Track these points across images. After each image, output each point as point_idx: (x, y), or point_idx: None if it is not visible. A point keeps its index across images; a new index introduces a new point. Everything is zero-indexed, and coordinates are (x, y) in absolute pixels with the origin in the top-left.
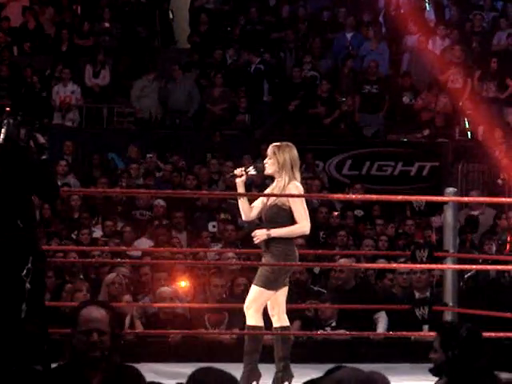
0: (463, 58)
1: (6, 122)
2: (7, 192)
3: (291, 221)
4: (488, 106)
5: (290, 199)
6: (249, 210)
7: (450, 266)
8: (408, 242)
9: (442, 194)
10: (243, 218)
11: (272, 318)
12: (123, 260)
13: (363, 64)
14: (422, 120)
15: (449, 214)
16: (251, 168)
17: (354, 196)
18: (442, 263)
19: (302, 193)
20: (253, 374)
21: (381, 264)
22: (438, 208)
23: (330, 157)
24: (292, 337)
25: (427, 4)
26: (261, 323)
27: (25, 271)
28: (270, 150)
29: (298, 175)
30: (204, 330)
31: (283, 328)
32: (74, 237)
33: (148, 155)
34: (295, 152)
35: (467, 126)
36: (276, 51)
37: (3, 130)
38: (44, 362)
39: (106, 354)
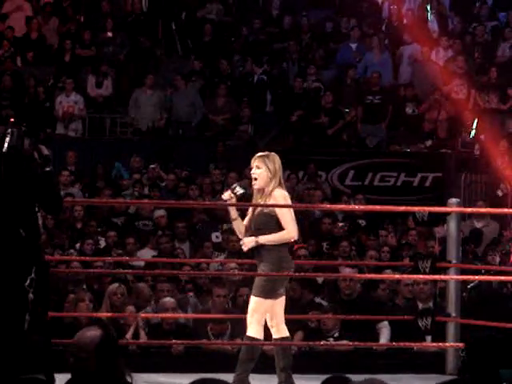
0: (466, 69)
1: (10, 131)
2: (10, 201)
3: (280, 228)
4: (490, 117)
5: (277, 208)
6: (244, 229)
7: (452, 276)
8: (411, 252)
9: (444, 204)
10: (240, 236)
11: (271, 330)
12: (126, 270)
13: (366, 74)
14: (424, 131)
15: (452, 225)
16: (238, 188)
17: (356, 206)
18: (444, 274)
19: (288, 199)
20: (243, 383)
21: (384, 275)
22: (441, 219)
23: (333, 167)
24: (293, 347)
25: (429, 14)
26: (260, 336)
27: (28, 281)
28: (259, 160)
29: (282, 182)
30: (206, 341)
31: (283, 339)
32: (77, 247)
33: (151, 166)
34: (279, 161)
35: (472, 134)
36: (279, 62)
37: (7, 139)
38: (47, 372)
39: (86, 377)
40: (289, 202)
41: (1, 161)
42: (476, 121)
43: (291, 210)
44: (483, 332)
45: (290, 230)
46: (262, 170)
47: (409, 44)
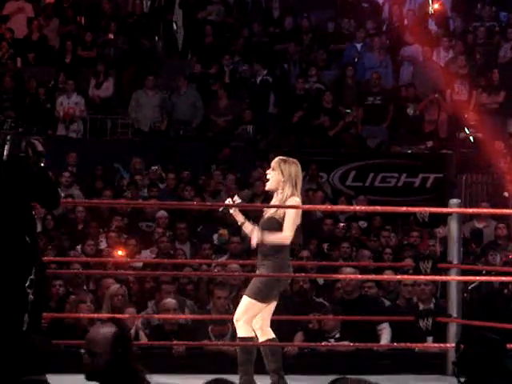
0: (468, 70)
1: (9, 138)
2: (13, 208)
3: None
4: (491, 118)
5: (286, 211)
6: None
7: (453, 277)
8: (412, 253)
9: (445, 205)
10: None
11: (256, 332)
12: (127, 272)
13: (366, 75)
14: (425, 131)
15: (453, 226)
16: (236, 197)
17: (357, 207)
18: (445, 274)
19: (300, 210)
20: None
21: (385, 275)
22: (442, 219)
23: (334, 168)
24: (280, 348)
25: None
26: (251, 334)
27: (28, 282)
28: (275, 162)
29: (299, 193)
30: (208, 342)
31: (270, 341)
32: (79, 248)
33: (153, 167)
34: (300, 170)
35: (467, 132)
36: (280, 63)
37: (6, 147)
38: (47, 372)
39: (96, 375)
40: (298, 211)
41: (1, 169)
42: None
43: (298, 217)
44: (474, 332)
45: (285, 235)
46: (276, 172)
47: (410, 45)
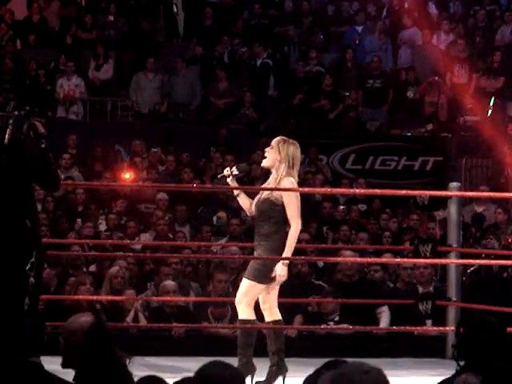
0: (468, 53)
1: (12, 121)
2: (14, 191)
3: (282, 216)
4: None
5: (285, 195)
6: (250, 206)
7: (453, 260)
8: (412, 236)
9: (445, 188)
10: (248, 214)
11: (264, 312)
12: (126, 253)
13: (366, 58)
14: (425, 114)
15: (452, 209)
16: (234, 168)
17: (357, 190)
18: (445, 258)
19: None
20: (247, 367)
21: (384, 258)
22: (442, 203)
23: (334, 151)
24: (292, 330)
25: None
26: (253, 317)
27: (29, 265)
28: (274, 141)
29: (295, 174)
30: (207, 324)
31: (275, 322)
32: (78, 229)
33: (153, 149)
34: (299, 152)
35: (492, 103)
36: (280, 45)
37: (9, 131)
38: (41, 354)
39: (71, 363)
40: (296, 193)
41: (3, 152)
42: (493, 99)
43: (298, 200)
44: (474, 316)
45: (296, 226)
46: (274, 150)
47: (409, 28)
